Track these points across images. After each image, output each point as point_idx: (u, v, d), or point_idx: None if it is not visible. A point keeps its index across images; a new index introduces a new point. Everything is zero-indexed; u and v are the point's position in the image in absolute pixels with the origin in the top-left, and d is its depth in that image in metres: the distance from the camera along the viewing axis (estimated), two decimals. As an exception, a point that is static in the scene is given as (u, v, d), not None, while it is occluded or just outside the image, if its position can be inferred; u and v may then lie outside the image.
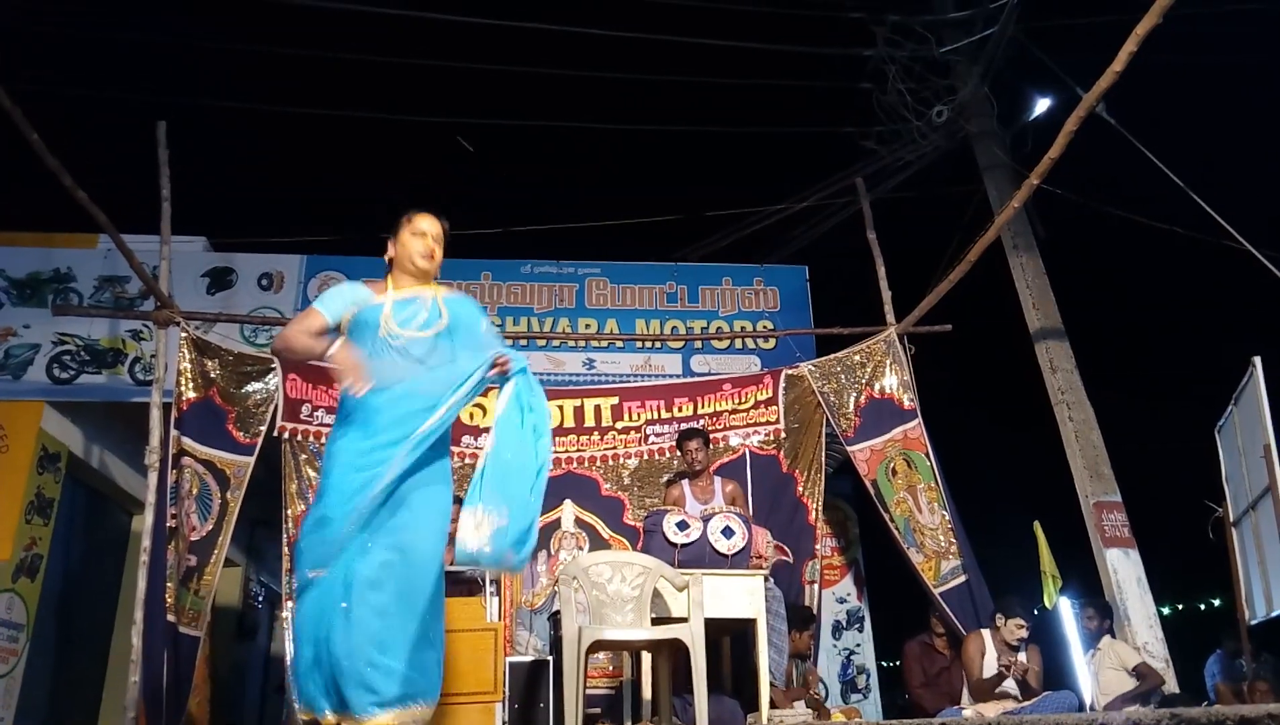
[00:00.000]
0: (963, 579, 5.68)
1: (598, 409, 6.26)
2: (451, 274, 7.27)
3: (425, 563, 2.74)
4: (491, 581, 4.48)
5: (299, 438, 5.72)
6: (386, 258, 3.07)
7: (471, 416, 6.08)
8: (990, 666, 5.08)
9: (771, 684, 4.45)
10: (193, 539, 5.23)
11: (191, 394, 5.45)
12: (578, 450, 6.14)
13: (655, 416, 6.28)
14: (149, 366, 6.42)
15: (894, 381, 6.17)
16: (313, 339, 2.87)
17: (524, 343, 7.09)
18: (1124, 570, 6.21)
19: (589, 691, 4.68)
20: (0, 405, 6.35)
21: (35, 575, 6.27)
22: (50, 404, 6.49)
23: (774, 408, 6.28)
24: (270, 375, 5.74)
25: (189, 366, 5.48)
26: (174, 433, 5.26)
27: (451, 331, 3.01)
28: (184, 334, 5.54)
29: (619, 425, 6.25)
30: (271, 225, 7.73)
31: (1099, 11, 7.33)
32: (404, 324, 2.93)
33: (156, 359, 5.51)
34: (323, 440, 5.76)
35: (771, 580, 4.95)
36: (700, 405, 6.33)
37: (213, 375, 5.57)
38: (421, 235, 3.03)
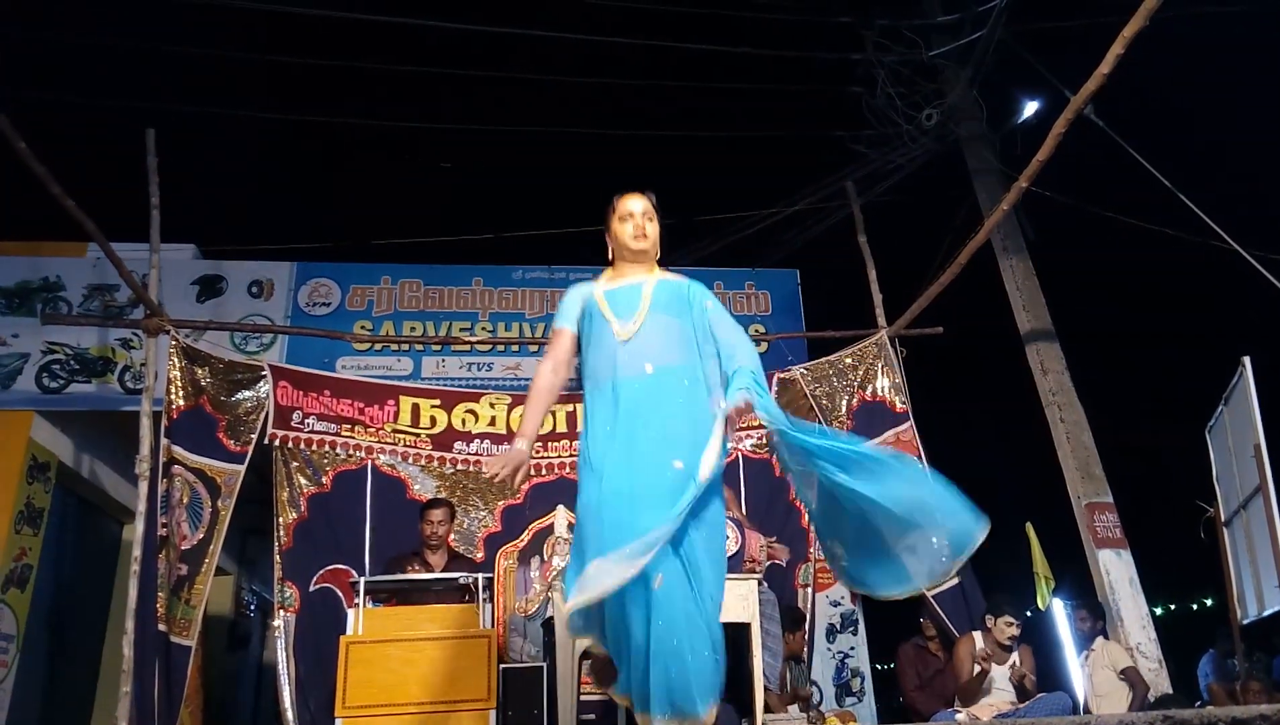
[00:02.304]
0: (955, 581, 5.69)
1: (590, 414, 6.24)
2: (443, 279, 7.29)
3: None
4: (484, 588, 4.47)
5: (290, 445, 5.70)
6: (609, 255, 2.99)
7: (464, 422, 6.08)
8: (976, 670, 5.08)
9: (766, 688, 4.44)
10: (184, 548, 5.21)
11: (182, 402, 5.43)
12: (570, 455, 6.12)
13: (648, 421, 6.27)
14: (139, 375, 6.39)
15: (886, 384, 6.19)
16: (559, 372, 2.88)
17: (516, 348, 7.09)
18: (1116, 571, 6.22)
19: (583, 698, 4.66)
20: (-11, 415, 6.32)
21: (25, 586, 6.23)
22: (40, 413, 6.45)
23: (766, 411, 6.27)
24: (261, 383, 5.72)
25: (179, 375, 5.46)
26: (164, 441, 5.23)
27: (653, 309, 2.80)
28: (174, 342, 5.52)
29: (611, 430, 6.23)
30: (261, 233, 7.72)
31: (1086, 15, 7.37)
32: (618, 315, 2.81)
33: (146, 367, 5.48)
34: (314, 447, 5.75)
35: (765, 584, 4.94)
36: (693, 409, 6.32)
37: (203, 383, 5.54)
38: (629, 217, 2.93)
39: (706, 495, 2.61)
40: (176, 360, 5.47)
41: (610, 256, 2.99)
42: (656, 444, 2.60)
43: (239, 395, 5.65)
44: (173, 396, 5.41)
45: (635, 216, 2.92)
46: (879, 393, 6.18)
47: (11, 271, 6.75)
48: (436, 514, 5.13)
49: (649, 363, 2.72)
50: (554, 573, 5.26)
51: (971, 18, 7.91)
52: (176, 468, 5.27)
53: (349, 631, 4.25)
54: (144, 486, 5.06)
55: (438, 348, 7.00)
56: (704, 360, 2.78)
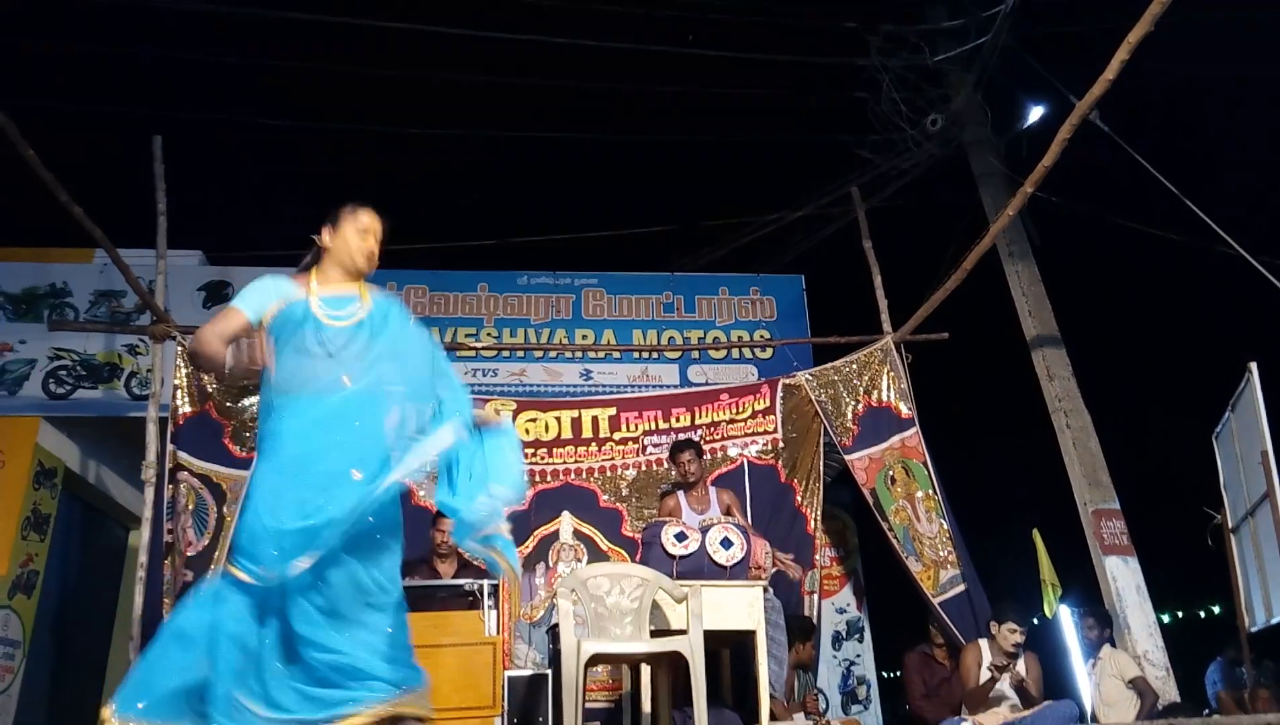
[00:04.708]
0: (961, 588, 5.67)
1: (595, 420, 6.25)
2: (448, 285, 7.29)
3: None
4: (490, 595, 4.46)
5: (296, 451, 5.69)
6: (322, 245, 2.81)
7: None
8: (985, 676, 5.05)
9: (772, 696, 4.43)
10: (189, 554, 5.21)
11: (188, 408, 5.44)
12: (575, 461, 6.12)
13: (653, 427, 6.27)
14: (145, 381, 6.41)
15: (891, 390, 6.17)
16: (225, 343, 2.66)
17: (521, 354, 7.09)
18: (1123, 578, 6.20)
19: (588, 705, 4.65)
20: (-4, 421, 6.34)
21: (31, 591, 6.24)
22: (46, 419, 6.47)
23: (772, 417, 6.27)
24: (267, 389, 5.72)
25: (185, 380, 5.47)
26: (170, 447, 5.25)
27: (373, 325, 2.72)
28: (180, 348, 5.53)
29: (617, 436, 6.23)
30: (267, 238, 7.73)
31: (1092, 19, 7.37)
32: (333, 321, 2.70)
33: (153, 373, 5.50)
34: (319, 453, 5.74)
35: (770, 591, 4.93)
36: (698, 415, 6.31)
37: (209, 389, 5.55)
38: (365, 233, 2.80)
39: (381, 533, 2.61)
40: (182, 366, 5.48)
41: (313, 259, 2.85)
42: (344, 457, 2.54)
43: (245, 401, 5.65)
44: (179, 402, 5.42)
45: (373, 236, 2.82)
46: (884, 399, 6.17)
47: (19, 278, 6.78)
48: (448, 523, 5.11)
49: (349, 376, 2.64)
50: (559, 578, 5.25)
51: (976, 23, 7.92)
52: (182, 473, 5.27)
53: (354, 638, 4.23)
54: (150, 492, 5.08)
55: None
56: (413, 382, 2.74)
